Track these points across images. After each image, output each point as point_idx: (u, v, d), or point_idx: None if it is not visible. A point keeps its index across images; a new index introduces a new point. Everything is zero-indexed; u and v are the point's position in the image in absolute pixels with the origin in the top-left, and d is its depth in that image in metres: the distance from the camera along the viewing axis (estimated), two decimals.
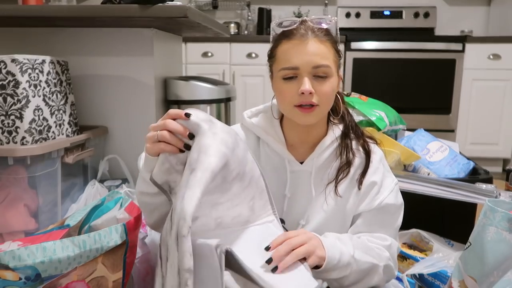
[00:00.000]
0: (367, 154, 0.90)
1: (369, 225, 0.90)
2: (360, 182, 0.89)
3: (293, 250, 0.73)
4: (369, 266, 0.83)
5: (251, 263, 0.72)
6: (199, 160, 0.70)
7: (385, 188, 0.90)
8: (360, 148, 0.91)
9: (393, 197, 0.90)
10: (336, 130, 0.91)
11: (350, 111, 0.96)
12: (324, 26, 0.84)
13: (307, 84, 0.80)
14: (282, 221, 0.91)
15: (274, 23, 0.86)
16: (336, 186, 0.88)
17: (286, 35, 0.84)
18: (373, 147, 0.92)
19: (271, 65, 0.88)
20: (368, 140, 0.93)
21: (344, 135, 0.91)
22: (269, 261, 0.72)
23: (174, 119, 0.74)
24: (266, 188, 0.83)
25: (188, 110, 0.75)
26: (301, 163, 0.90)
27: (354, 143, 0.91)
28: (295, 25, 0.83)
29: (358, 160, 0.90)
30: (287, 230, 0.88)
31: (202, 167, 0.69)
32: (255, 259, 0.74)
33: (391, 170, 0.95)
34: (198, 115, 0.75)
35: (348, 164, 0.89)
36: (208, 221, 0.78)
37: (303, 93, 0.80)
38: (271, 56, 0.87)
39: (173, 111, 0.75)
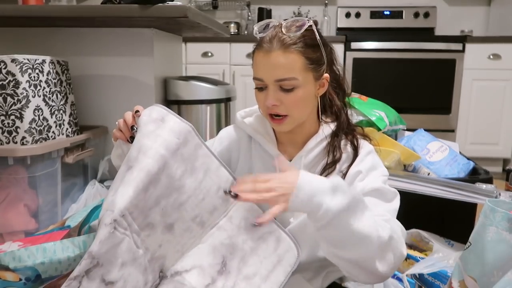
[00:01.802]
0: (355, 148, 0.89)
1: None
2: (345, 172, 0.87)
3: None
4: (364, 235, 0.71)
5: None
6: (137, 159, 0.76)
7: (371, 176, 0.86)
8: (348, 145, 0.90)
9: (380, 181, 0.85)
10: (327, 129, 0.90)
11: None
12: (294, 32, 0.81)
13: (269, 98, 0.82)
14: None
15: (255, 28, 0.86)
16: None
17: (259, 43, 0.84)
18: (363, 142, 0.91)
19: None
20: (360, 137, 0.92)
21: (335, 134, 0.90)
22: (232, 195, 0.73)
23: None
24: (231, 175, 0.86)
25: (148, 108, 0.82)
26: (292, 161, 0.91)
27: (343, 141, 0.90)
28: (267, 32, 0.83)
29: (345, 155, 0.89)
30: None
31: (139, 167, 0.75)
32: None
33: (390, 170, 0.94)
34: (151, 113, 0.81)
35: (333, 163, 0.88)
36: (188, 225, 0.82)
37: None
38: (252, 61, 0.88)
39: (137, 107, 0.83)
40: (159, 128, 0.79)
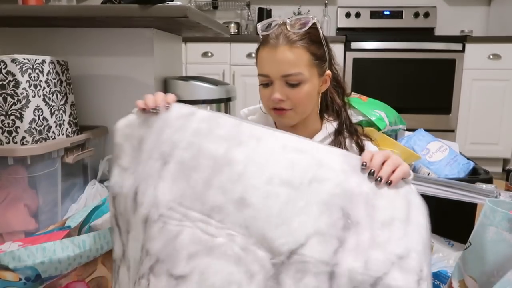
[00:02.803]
0: (361, 149, 0.91)
1: None
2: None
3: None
4: None
5: None
6: (172, 154, 0.73)
7: None
8: (353, 144, 0.92)
9: None
10: (330, 127, 0.93)
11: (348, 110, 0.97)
12: (299, 29, 0.83)
13: (276, 93, 0.83)
14: None
15: (259, 26, 0.87)
16: None
17: (263, 40, 0.85)
18: (367, 143, 0.94)
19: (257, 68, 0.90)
20: (362, 138, 0.95)
21: (338, 132, 0.92)
22: (374, 176, 0.66)
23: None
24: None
25: (177, 104, 0.79)
26: None
27: (347, 140, 0.92)
28: (271, 30, 0.84)
29: None
30: None
31: (174, 160, 0.72)
32: None
33: None
34: (181, 109, 0.78)
35: None
36: (267, 190, 0.68)
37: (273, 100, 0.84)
38: (256, 59, 0.89)
39: (170, 97, 0.79)
40: (189, 121, 0.76)
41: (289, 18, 0.85)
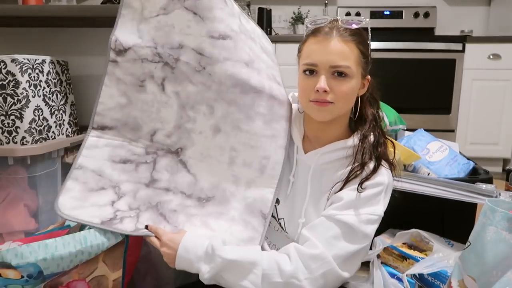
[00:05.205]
0: (378, 162, 0.87)
1: (318, 231, 0.84)
2: (360, 183, 0.84)
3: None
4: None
5: None
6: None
7: (358, 208, 0.83)
8: (372, 163, 0.87)
9: (357, 219, 0.82)
10: (356, 140, 0.89)
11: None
12: (353, 26, 0.84)
13: (322, 82, 0.82)
14: (278, 201, 0.94)
15: (307, 20, 0.88)
16: (344, 185, 0.85)
17: (313, 32, 0.86)
18: (383, 171, 0.88)
19: (298, 60, 0.90)
20: (385, 164, 0.89)
21: (364, 137, 0.88)
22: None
23: None
24: None
25: None
26: None
27: (367, 156, 0.87)
28: (324, 23, 0.85)
29: (364, 173, 0.87)
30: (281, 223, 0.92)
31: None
32: None
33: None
34: None
35: (362, 166, 0.86)
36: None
37: (318, 90, 0.82)
38: (299, 51, 0.89)
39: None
40: None
41: (340, 17, 0.87)
